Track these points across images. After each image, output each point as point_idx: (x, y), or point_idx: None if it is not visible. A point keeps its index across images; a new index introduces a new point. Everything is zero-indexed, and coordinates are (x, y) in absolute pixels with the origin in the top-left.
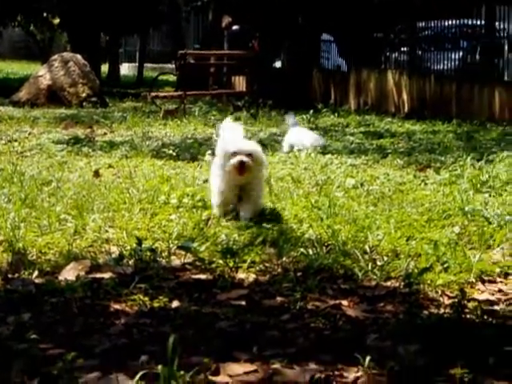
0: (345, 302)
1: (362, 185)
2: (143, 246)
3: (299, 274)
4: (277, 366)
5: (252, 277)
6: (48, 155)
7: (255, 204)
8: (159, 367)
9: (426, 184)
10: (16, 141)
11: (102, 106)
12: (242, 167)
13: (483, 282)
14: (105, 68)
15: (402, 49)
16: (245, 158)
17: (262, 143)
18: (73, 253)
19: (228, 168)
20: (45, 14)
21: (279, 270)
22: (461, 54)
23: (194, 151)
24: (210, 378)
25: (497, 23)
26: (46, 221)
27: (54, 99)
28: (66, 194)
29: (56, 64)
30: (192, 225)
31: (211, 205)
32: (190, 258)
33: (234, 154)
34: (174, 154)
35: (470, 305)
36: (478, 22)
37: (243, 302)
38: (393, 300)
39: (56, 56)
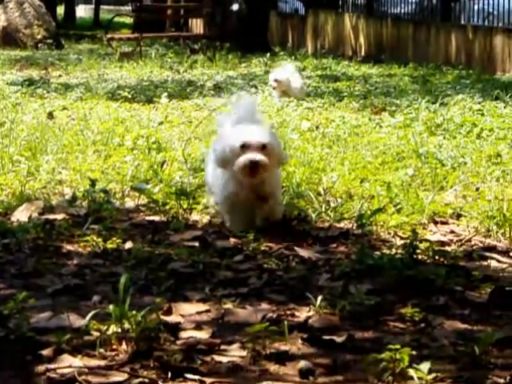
0: (298, 243)
1: (317, 128)
2: (97, 187)
3: None
4: (229, 305)
5: (206, 218)
6: (2, 96)
7: (275, 203)
8: (111, 307)
9: (380, 127)
10: None
11: (58, 47)
12: (254, 168)
13: (435, 223)
14: (61, 10)
15: None
16: (258, 156)
17: (219, 86)
18: (26, 194)
19: (236, 168)
20: None
21: None
22: None
23: (149, 93)
24: (162, 317)
25: None
26: None
27: (9, 41)
28: (20, 135)
29: (11, 5)
30: (146, 167)
31: (224, 221)
32: (143, 200)
33: (243, 147)
34: (130, 96)
35: (422, 246)
36: None
37: (196, 243)
38: (345, 241)
39: None
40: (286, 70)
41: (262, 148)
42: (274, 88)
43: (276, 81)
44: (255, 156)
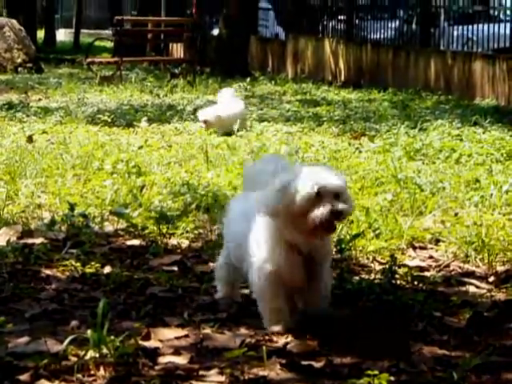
0: None
1: (296, 152)
2: (76, 211)
3: None
4: (207, 330)
5: (185, 243)
6: None
7: (328, 282)
8: (89, 332)
9: (360, 152)
10: None
11: (38, 71)
12: (333, 222)
13: (414, 248)
14: (41, 33)
15: (340, 17)
16: (340, 205)
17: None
18: (4, 218)
19: (311, 222)
20: None
21: (212, 236)
22: (397, 22)
23: (129, 117)
24: (141, 342)
25: None
26: None
27: None
28: None
29: None
30: (126, 191)
31: (261, 314)
32: (122, 224)
33: (319, 195)
34: (110, 120)
35: (401, 271)
36: None
37: (175, 268)
38: None
39: None
40: (224, 98)
41: (338, 195)
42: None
43: (205, 122)
44: (338, 205)
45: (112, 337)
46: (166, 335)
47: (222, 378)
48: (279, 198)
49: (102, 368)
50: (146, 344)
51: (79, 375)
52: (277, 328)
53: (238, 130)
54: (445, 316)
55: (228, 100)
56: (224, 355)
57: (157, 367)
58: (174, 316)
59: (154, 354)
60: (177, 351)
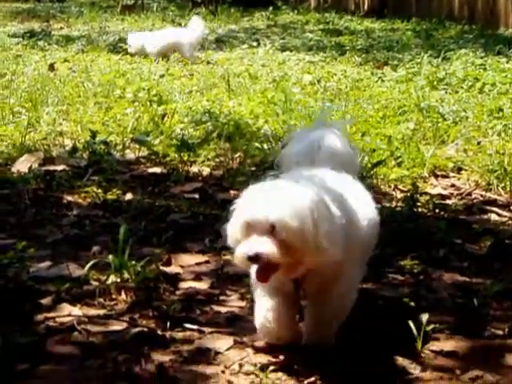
0: None
1: (318, 81)
2: (97, 139)
3: (254, 168)
4: (228, 257)
5: (206, 171)
6: (3, 48)
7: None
8: (110, 257)
9: (382, 81)
10: None
11: (60, 0)
12: (260, 267)
13: (436, 176)
14: None
15: None
16: (259, 248)
17: (221, 40)
18: (26, 145)
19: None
20: None
21: (234, 164)
22: None
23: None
24: (162, 268)
25: None
26: None
27: None
28: (21, 86)
29: None
30: (147, 119)
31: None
32: (144, 152)
33: (248, 228)
34: None
35: (423, 199)
36: None
37: (197, 195)
38: None
39: None
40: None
41: (271, 230)
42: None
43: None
44: (256, 246)
45: (133, 262)
46: (187, 261)
47: (243, 303)
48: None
49: (123, 292)
50: (167, 270)
51: (101, 299)
52: (266, 334)
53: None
54: (466, 243)
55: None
56: (244, 281)
57: (178, 292)
58: (194, 242)
59: (174, 279)
60: (197, 277)
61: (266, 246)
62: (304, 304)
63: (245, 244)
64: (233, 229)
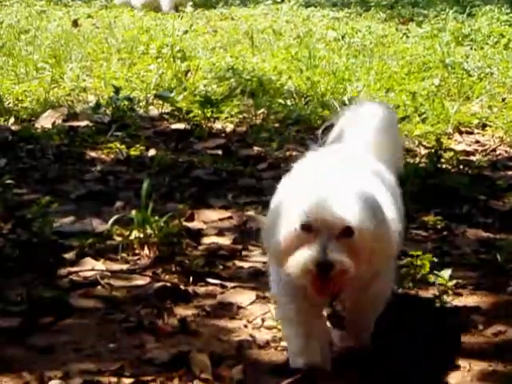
0: None
1: (343, 37)
2: (121, 95)
3: (277, 124)
4: (251, 212)
5: (230, 127)
6: (27, 4)
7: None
8: (133, 212)
9: (407, 37)
10: None
11: None
12: (322, 280)
13: (460, 132)
14: None
15: None
16: (331, 255)
17: None
18: (50, 101)
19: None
20: None
21: (257, 120)
22: None
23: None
24: (185, 223)
25: None
26: (23, 69)
27: None
28: (44, 42)
29: None
30: (171, 75)
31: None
32: (167, 108)
33: (307, 229)
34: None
35: (447, 155)
36: None
37: (220, 151)
38: None
39: None
40: None
41: (344, 233)
42: None
43: None
44: (327, 255)
45: (156, 217)
46: (210, 217)
47: (265, 259)
48: (267, 227)
49: (146, 248)
50: (190, 225)
51: (124, 254)
52: (298, 360)
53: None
54: (490, 200)
55: None
56: None
57: (200, 247)
58: (217, 198)
59: (197, 234)
60: (220, 232)
61: (342, 254)
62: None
63: (311, 248)
64: (285, 229)
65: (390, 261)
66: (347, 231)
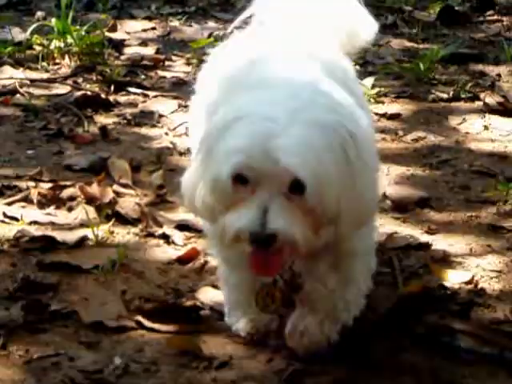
0: None
1: None
2: None
3: None
4: (175, 23)
5: None
6: None
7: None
8: (53, 20)
9: None
10: None
11: None
12: (262, 254)
13: None
14: None
15: None
16: (272, 222)
17: None
18: None
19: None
20: None
21: None
22: None
23: None
24: (107, 34)
25: None
26: None
27: None
28: None
29: None
30: None
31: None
32: None
33: (242, 181)
34: None
35: None
36: None
37: None
38: None
39: None
40: None
41: (292, 188)
42: None
43: None
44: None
45: (77, 27)
46: (133, 27)
47: (189, 68)
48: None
49: (67, 57)
50: (112, 35)
51: (44, 63)
52: (239, 327)
53: None
54: (415, 10)
55: None
56: (191, 47)
57: (123, 57)
58: (141, 9)
59: (120, 44)
60: (143, 42)
61: (287, 220)
62: None
63: (243, 212)
64: (212, 179)
65: (367, 222)
66: (297, 185)
